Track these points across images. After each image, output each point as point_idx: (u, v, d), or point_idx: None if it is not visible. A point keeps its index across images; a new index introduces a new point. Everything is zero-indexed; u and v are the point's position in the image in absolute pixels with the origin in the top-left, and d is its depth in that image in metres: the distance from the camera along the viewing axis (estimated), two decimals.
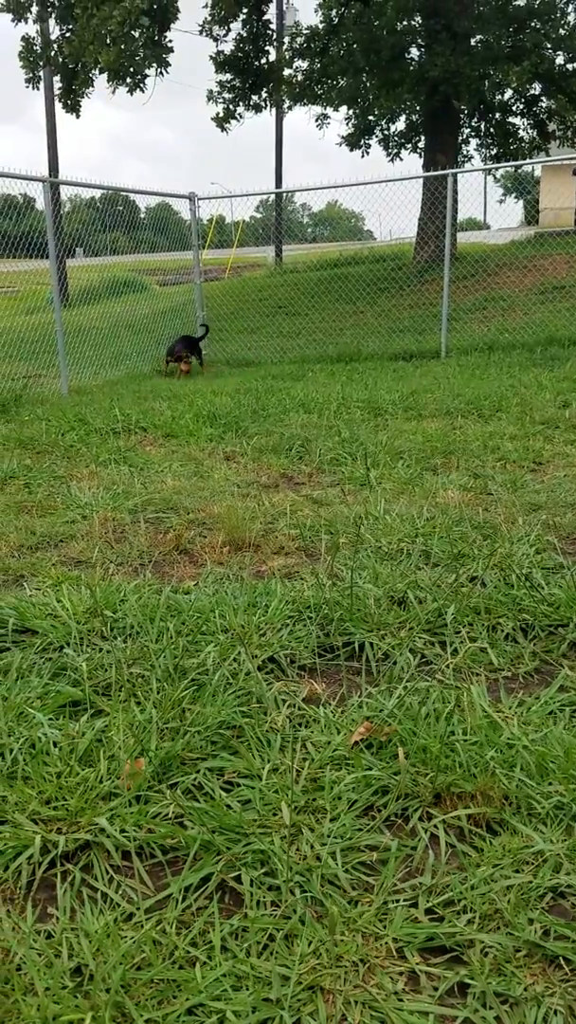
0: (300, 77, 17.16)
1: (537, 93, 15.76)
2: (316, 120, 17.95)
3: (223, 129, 17.21)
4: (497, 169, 17.30)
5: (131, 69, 14.55)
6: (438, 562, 2.98)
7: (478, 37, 14.31)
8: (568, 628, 2.43)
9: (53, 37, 15.41)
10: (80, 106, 15.86)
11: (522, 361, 8.88)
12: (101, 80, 15.27)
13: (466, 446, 4.92)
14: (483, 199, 39.74)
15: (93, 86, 15.57)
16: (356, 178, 10.96)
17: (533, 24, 14.23)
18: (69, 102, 15.66)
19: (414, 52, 15.48)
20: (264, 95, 17.49)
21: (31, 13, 15.22)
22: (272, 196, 23.33)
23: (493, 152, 17.44)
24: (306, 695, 2.14)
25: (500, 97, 16.41)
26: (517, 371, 8.13)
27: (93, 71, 15.20)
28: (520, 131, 16.94)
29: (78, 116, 15.98)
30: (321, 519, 3.58)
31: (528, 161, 17.17)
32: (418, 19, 15.10)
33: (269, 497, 4.02)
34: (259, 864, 1.55)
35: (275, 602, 2.61)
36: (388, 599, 2.62)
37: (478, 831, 1.62)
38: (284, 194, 21.29)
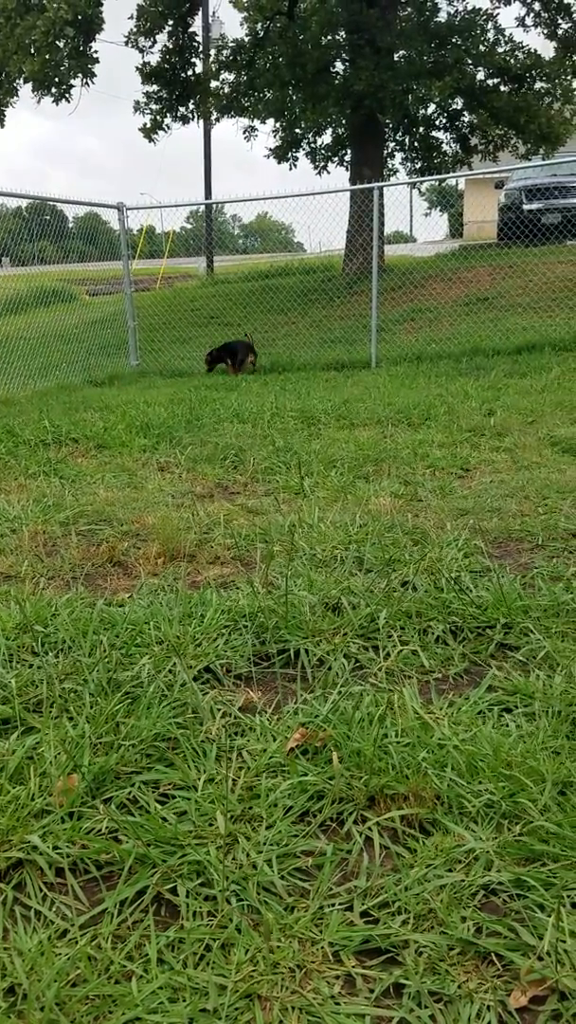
0: (227, 89, 17.24)
1: (459, 108, 16.12)
2: (244, 132, 18.04)
3: (150, 140, 17.18)
4: (422, 183, 17.59)
5: (56, 79, 14.43)
6: (371, 568, 3.02)
7: (401, 52, 14.58)
8: (495, 629, 2.49)
9: None
10: (3, 115, 15.64)
11: (449, 371, 9.06)
12: (26, 90, 15.09)
13: (397, 454, 5.00)
14: (409, 212, 40.43)
15: (17, 95, 15.38)
16: (285, 190, 11.11)
17: (454, 40, 14.57)
18: None
19: (339, 66, 15.69)
20: (191, 107, 17.52)
21: None
22: (202, 207, 23.35)
23: (418, 166, 17.75)
24: (242, 704, 2.14)
25: (424, 111, 16.73)
26: (444, 380, 8.28)
27: (17, 80, 15.02)
28: (444, 145, 17.30)
29: (2, 125, 15.75)
30: (256, 528, 3.59)
31: (451, 175, 17.57)
32: (342, 34, 15.33)
33: (204, 507, 4.01)
34: (195, 875, 1.54)
35: (210, 612, 2.61)
36: (323, 606, 2.65)
37: (411, 832, 1.64)
38: (214, 205, 21.32)
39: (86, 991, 1.30)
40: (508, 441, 5.27)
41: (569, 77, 14.74)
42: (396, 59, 14.53)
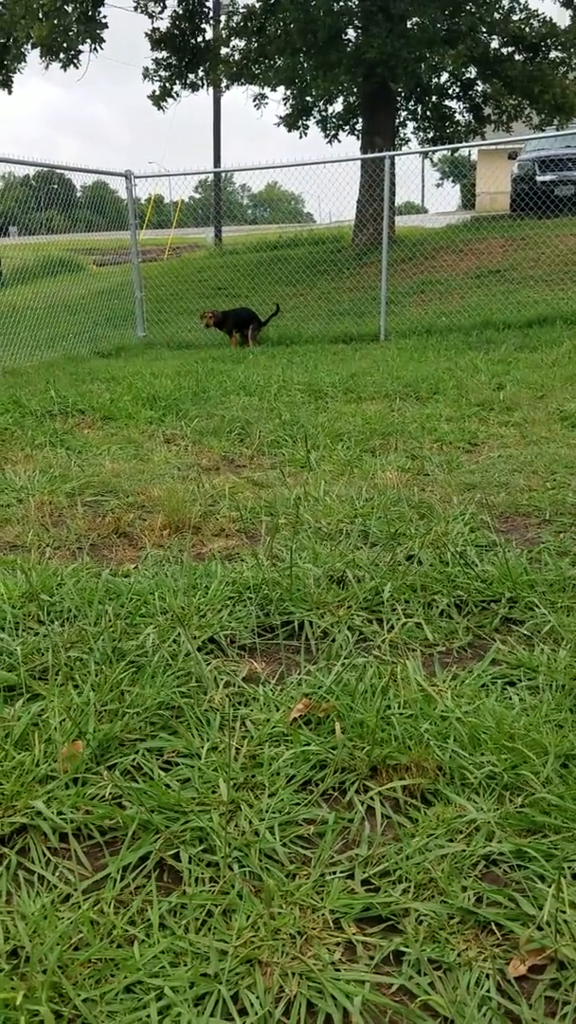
0: (237, 56, 16.99)
1: (473, 77, 15.87)
2: (254, 100, 17.81)
3: (159, 107, 16.99)
4: (434, 152, 17.38)
5: (64, 44, 14.23)
6: (376, 542, 3.01)
7: (414, 20, 14.32)
8: (500, 604, 2.49)
9: None
10: (12, 81, 15.46)
11: (458, 344, 8.98)
12: (35, 56, 14.90)
13: (404, 428, 4.97)
14: (421, 183, 39.98)
15: (25, 61, 15.19)
16: (295, 159, 10.94)
17: (468, 8, 14.30)
18: (0, 77, 15.24)
19: (351, 34, 15.42)
20: (201, 74, 17.29)
21: None
22: (211, 176, 23.13)
23: (430, 135, 17.51)
24: (246, 674, 2.15)
25: (436, 80, 16.48)
26: (454, 354, 8.22)
27: (25, 46, 14.82)
28: (456, 115, 17.06)
29: (10, 92, 15.58)
30: (262, 501, 3.58)
31: (464, 144, 17.34)
32: (355, 0, 15.06)
33: (210, 479, 4.00)
34: (198, 841, 1.55)
35: (215, 583, 2.61)
36: (327, 578, 2.64)
37: (413, 802, 1.65)
38: (223, 174, 21.10)
39: (88, 955, 1.31)
40: (517, 416, 5.23)
41: None
42: (409, 26, 14.28)
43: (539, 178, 15.96)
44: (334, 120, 17.59)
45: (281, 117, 17.39)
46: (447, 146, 16.43)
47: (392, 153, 10.19)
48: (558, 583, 2.59)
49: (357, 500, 3.48)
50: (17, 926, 1.37)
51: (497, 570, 2.64)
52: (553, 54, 14.72)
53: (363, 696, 1.94)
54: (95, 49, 14.89)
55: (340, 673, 2.06)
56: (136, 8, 16.28)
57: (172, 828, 1.58)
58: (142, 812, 1.61)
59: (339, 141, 18.03)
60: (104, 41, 14.89)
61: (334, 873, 1.49)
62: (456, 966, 1.28)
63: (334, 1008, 1.23)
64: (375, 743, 1.77)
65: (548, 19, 14.70)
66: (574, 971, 1.23)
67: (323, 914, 1.40)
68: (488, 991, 1.22)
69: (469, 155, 36.83)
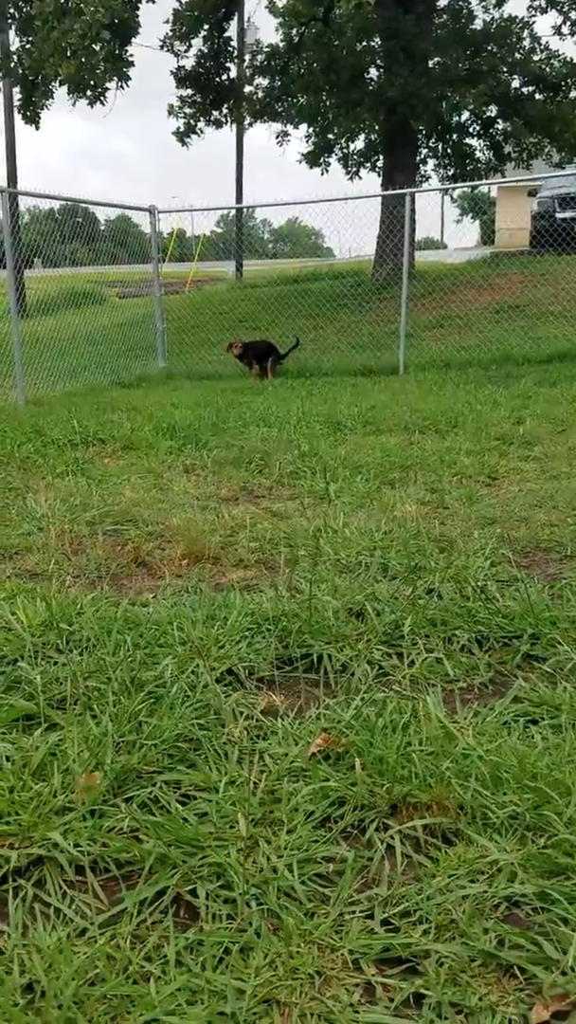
0: (261, 95, 17.30)
1: (493, 115, 16.06)
2: (276, 137, 18.09)
3: (183, 143, 17.28)
4: (454, 189, 17.50)
5: (91, 82, 14.54)
6: (395, 575, 3.00)
7: (435, 59, 14.56)
8: (522, 640, 2.46)
9: (13, 48, 15.35)
10: (39, 117, 15.79)
11: (478, 378, 9.00)
12: (61, 91, 15.23)
13: (424, 461, 4.97)
14: (440, 219, 40.35)
15: (53, 98, 15.52)
16: (317, 195, 11.08)
17: (489, 48, 14.54)
18: (28, 113, 15.58)
19: (373, 73, 15.69)
20: (225, 111, 17.60)
21: None
22: (232, 211, 23.47)
23: (450, 173, 17.71)
24: (264, 707, 2.13)
25: (457, 119, 16.70)
26: (473, 388, 8.23)
27: (53, 83, 15.16)
28: (477, 152, 17.26)
29: (37, 128, 15.91)
30: (281, 532, 3.58)
31: (484, 182, 17.48)
32: (377, 40, 15.33)
33: (229, 510, 4.01)
34: (215, 877, 1.54)
35: (234, 614, 2.60)
36: (346, 611, 2.63)
37: (434, 841, 1.63)
38: (245, 210, 21.39)
39: (104, 990, 1.29)
40: (537, 450, 5.22)
41: None
42: (431, 66, 14.52)
43: (559, 215, 16.07)
44: (355, 157, 17.84)
45: (303, 154, 17.66)
46: (466, 184, 16.58)
47: (413, 190, 10.32)
48: None
49: (376, 532, 3.47)
50: (33, 959, 1.36)
51: (519, 606, 2.62)
52: (573, 93, 14.89)
53: (383, 732, 1.92)
54: (122, 86, 15.21)
55: (360, 707, 2.04)
56: (163, 47, 16.65)
57: (190, 863, 1.56)
58: (159, 846, 1.59)
59: (360, 178, 18.22)
60: (130, 79, 15.21)
61: (353, 912, 1.46)
62: (478, 1010, 1.25)
63: None
64: (395, 780, 1.75)
65: (569, 59, 14.92)
66: None
67: (342, 954, 1.37)
68: None
69: (489, 192, 37.16)
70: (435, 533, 3.48)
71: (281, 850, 1.60)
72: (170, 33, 16.54)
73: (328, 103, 15.99)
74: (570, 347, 10.15)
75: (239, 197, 25.63)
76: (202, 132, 17.51)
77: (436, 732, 1.90)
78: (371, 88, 15.07)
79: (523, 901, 1.47)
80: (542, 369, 9.33)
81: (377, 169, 17.73)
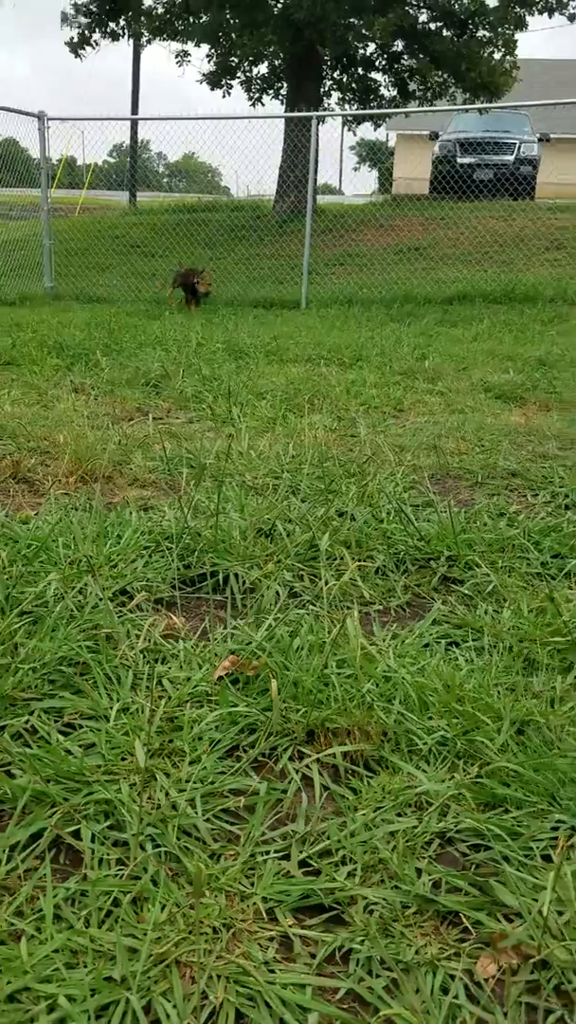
0: (160, 10, 16.33)
1: (400, 50, 15.67)
2: (176, 57, 17.20)
3: (77, 55, 16.21)
4: (361, 116, 16.95)
5: None
6: (306, 498, 2.79)
7: None
8: (439, 562, 2.30)
9: None
10: None
11: (380, 316, 8.84)
12: None
13: (329, 391, 4.76)
14: (339, 165, 39.81)
15: None
16: (217, 132, 10.52)
17: None
18: None
19: None
20: (122, 23, 16.56)
21: None
22: (127, 143, 22.31)
23: (354, 108, 17.28)
24: (164, 630, 1.89)
25: (363, 52, 16.22)
26: (376, 325, 8.07)
27: None
28: (381, 88, 16.86)
29: None
30: (183, 451, 3.31)
31: (389, 111, 17.11)
32: None
33: (123, 429, 3.70)
34: (103, 816, 1.30)
35: (129, 532, 2.34)
36: (255, 531, 2.40)
37: (356, 770, 1.44)
38: (139, 138, 20.38)
39: None
40: (441, 385, 5.09)
41: (512, 28, 14.45)
42: None
43: (459, 160, 15.96)
44: (259, 82, 17.14)
45: (204, 74, 16.84)
46: (374, 111, 16.17)
47: (318, 113, 9.92)
48: (497, 543, 2.43)
49: (284, 456, 3.24)
50: None
51: (435, 528, 2.45)
52: (481, 32, 14.66)
53: (297, 653, 1.72)
54: None
55: (272, 628, 1.83)
56: None
57: (72, 800, 1.32)
58: (36, 782, 1.34)
59: (263, 104, 17.50)
60: None
61: (266, 853, 1.26)
62: (415, 966, 1.07)
63: (269, 1018, 1.01)
64: (312, 705, 1.55)
65: None
66: (557, 971, 1.04)
67: (254, 903, 1.17)
68: (457, 997, 1.02)
69: (387, 140, 36.81)
70: (345, 458, 3.28)
71: (182, 783, 1.37)
72: None
73: (232, 22, 15.22)
74: (469, 289, 10.10)
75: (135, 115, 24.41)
76: (97, 45, 16.45)
77: (355, 654, 1.71)
78: (276, 8, 14.41)
79: (457, 837, 1.30)
80: (442, 309, 9.25)
81: (281, 97, 17.12)
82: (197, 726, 1.50)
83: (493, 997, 1.02)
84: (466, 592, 2.16)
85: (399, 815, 1.33)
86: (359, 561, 2.27)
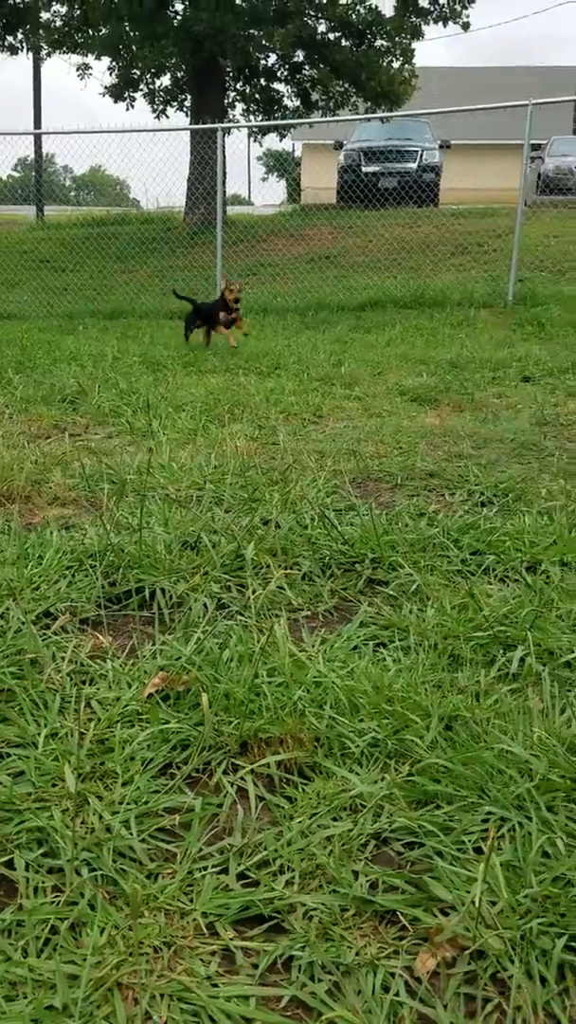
0: (59, 23, 16.16)
1: (301, 60, 15.85)
2: (77, 70, 17.04)
3: None
4: (266, 127, 17.06)
5: None
6: (230, 508, 2.79)
7: None
8: (364, 565, 2.34)
9: None
10: None
11: (295, 324, 8.92)
12: None
13: (248, 400, 4.78)
14: (247, 176, 40.00)
15: None
16: (121, 141, 10.46)
17: None
18: None
19: (179, 6, 15.01)
20: (20, 37, 16.32)
21: None
22: (31, 156, 22.00)
23: (259, 119, 17.39)
24: (90, 650, 1.87)
25: (265, 63, 16.36)
26: (291, 333, 8.14)
27: None
28: (285, 99, 17.02)
29: None
30: (103, 467, 3.27)
31: (294, 121, 17.22)
32: None
33: (40, 447, 3.64)
34: (36, 844, 1.28)
35: (51, 552, 2.30)
36: (180, 544, 2.40)
37: (290, 778, 1.45)
38: (43, 152, 20.11)
39: None
40: (358, 390, 5.17)
41: (409, 37, 14.78)
42: (238, 1, 14.06)
43: (364, 169, 16.21)
44: (162, 94, 17.10)
45: (107, 87, 16.71)
46: (278, 122, 16.28)
47: (223, 125, 9.98)
48: (419, 543, 2.48)
49: (206, 467, 3.24)
50: None
51: (358, 532, 2.49)
52: (379, 42, 14.94)
53: (228, 665, 1.72)
54: None
55: (201, 641, 1.83)
56: None
57: (3, 830, 1.30)
58: None
59: (167, 116, 17.44)
60: None
61: (204, 869, 1.26)
62: (356, 967, 1.08)
63: None
64: (244, 716, 1.56)
65: (374, 6, 14.91)
66: (492, 960, 1.06)
67: (194, 919, 1.17)
68: (398, 994, 1.03)
69: (293, 150, 37.15)
70: (267, 466, 3.30)
71: (115, 805, 1.36)
72: None
73: (132, 34, 15.16)
74: (380, 295, 10.27)
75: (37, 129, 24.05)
76: None
77: (285, 662, 1.72)
78: (176, 21, 14.41)
79: (392, 837, 1.32)
80: (355, 316, 9.38)
81: (185, 108, 17.11)
82: (128, 746, 1.49)
83: (432, 991, 1.04)
84: (391, 593, 2.20)
85: (334, 819, 1.35)
86: (285, 568, 2.29)
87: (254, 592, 2.11)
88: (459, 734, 1.54)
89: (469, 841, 1.28)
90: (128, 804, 1.37)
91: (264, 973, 1.09)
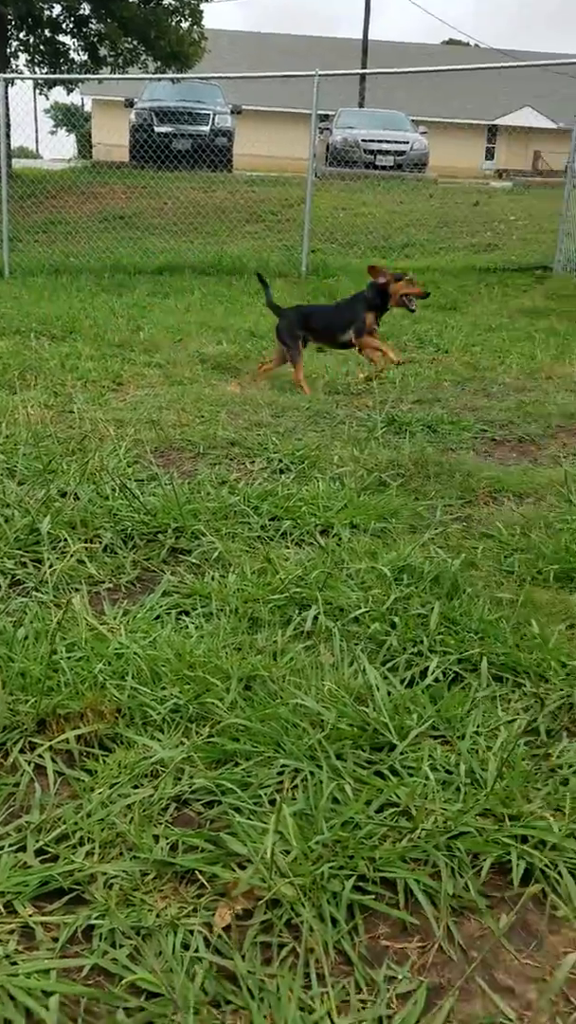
0: None
1: (87, 14, 15.20)
2: None
3: None
4: (51, 80, 16.23)
5: None
6: (23, 480, 2.69)
7: None
8: (167, 534, 2.34)
9: None
10: None
11: (91, 286, 8.66)
12: None
13: (42, 365, 4.61)
14: (35, 129, 38.00)
15: None
16: None
17: None
18: None
19: None
20: None
21: None
22: None
23: (44, 72, 16.53)
24: None
25: (49, 13, 15.53)
26: (87, 295, 7.90)
27: None
28: (72, 52, 16.28)
29: None
30: None
31: (82, 76, 16.54)
32: None
33: None
34: None
35: None
36: None
37: (90, 751, 1.45)
38: None
39: None
40: (159, 357, 5.12)
41: None
42: None
43: (157, 129, 15.85)
44: None
45: None
46: (63, 76, 15.55)
47: (6, 75, 9.39)
48: (220, 511, 2.51)
49: None
50: None
51: (160, 501, 2.48)
52: (167, 1, 14.60)
53: (23, 643, 1.68)
54: None
55: None
56: None
57: None
58: None
59: None
60: None
61: (1, 849, 1.24)
62: (156, 929, 1.11)
63: (14, 1010, 1.00)
64: (41, 693, 1.53)
65: None
66: (287, 907, 1.13)
67: None
68: (198, 951, 1.07)
69: (83, 105, 35.69)
70: (64, 436, 3.20)
71: None
72: None
73: None
74: (177, 260, 10.17)
75: None
76: None
77: (85, 635, 1.70)
78: None
79: (193, 798, 1.35)
80: (153, 280, 9.25)
81: None
82: None
83: (231, 943, 1.09)
84: (194, 561, 2.22)
85: (135, 787, 1.36)
86: (85, 541, 2.25)
87: (51, 567, 2.06)
88: (257, 693, 1.59)
89: (265, 795, 1.34)
90: None
91: (65, 945, 1.09)
